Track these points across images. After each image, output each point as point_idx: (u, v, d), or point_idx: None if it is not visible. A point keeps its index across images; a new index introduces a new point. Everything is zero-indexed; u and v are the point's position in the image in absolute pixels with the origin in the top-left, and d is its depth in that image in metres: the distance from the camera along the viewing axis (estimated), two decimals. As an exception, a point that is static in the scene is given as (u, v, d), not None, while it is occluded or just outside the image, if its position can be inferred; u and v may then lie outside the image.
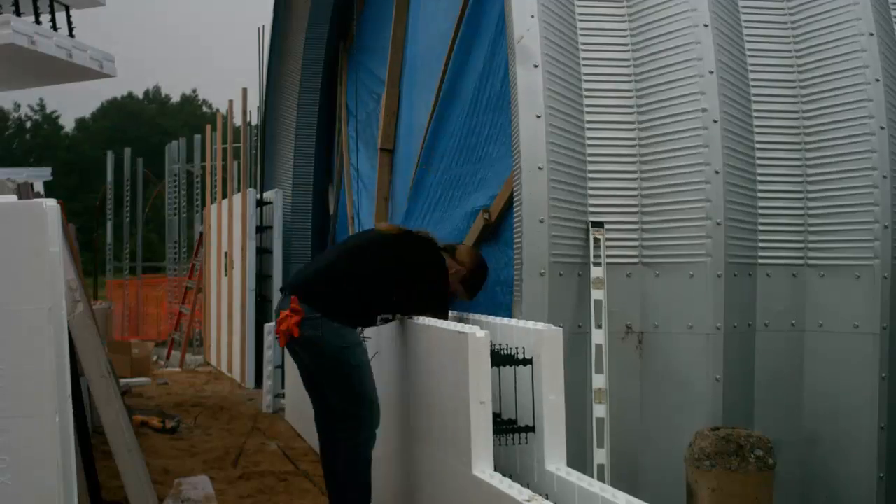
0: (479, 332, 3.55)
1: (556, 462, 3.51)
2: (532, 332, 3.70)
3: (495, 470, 3.46)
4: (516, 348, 3.73)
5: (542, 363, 3.60)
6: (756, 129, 4.63)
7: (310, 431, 7.20)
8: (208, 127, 13.99)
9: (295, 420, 7.69)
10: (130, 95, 49.82)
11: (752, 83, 4.67)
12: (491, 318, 4.25)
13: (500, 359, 3.71)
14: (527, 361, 3.66)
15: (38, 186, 7.86)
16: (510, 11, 4.50)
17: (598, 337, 4.37)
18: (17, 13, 6.76)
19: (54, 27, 7.04)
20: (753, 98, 4.66)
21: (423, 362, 4.19)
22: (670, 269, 4.49)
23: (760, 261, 4.59)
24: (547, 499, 3.16)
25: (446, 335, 3.82)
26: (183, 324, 14.21)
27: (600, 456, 4.23)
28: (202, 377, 11.57)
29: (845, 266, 4.50)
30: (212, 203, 13.28)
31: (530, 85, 4.41)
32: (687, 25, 4.54)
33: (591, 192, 4.55)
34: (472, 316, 4.50)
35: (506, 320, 4.11)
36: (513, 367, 3.73)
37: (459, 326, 3.76)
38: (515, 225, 4.44)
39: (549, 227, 4.35)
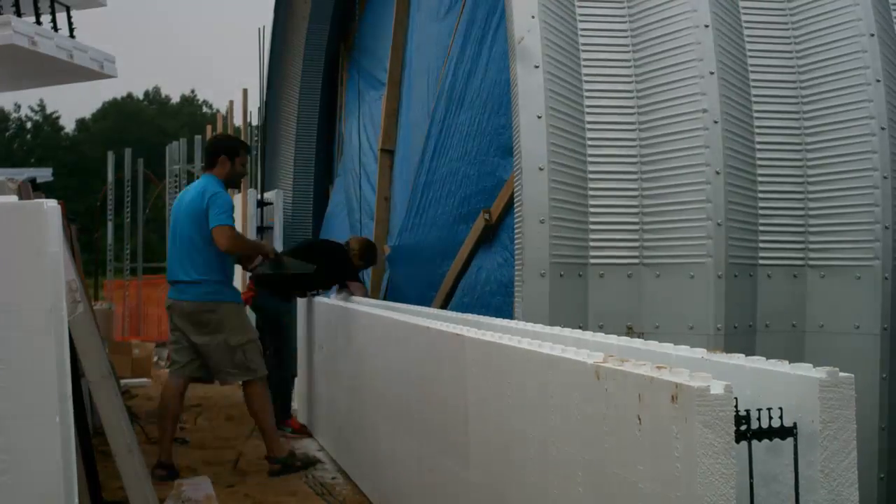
0: (715, 385, 2.13)
1: None
2: (794, 379, 2.30)
3: None
4: (761, 409, 2.26)
5: (816, 434, 2.24)
6: (757, 130, 4.62)
7: (332, 438, 7.19)
8: (209, 127, 13.99)
9: (323, 433, 7.68)
10: (130, 96, 49.88)
11: (752, 84, 4.66)
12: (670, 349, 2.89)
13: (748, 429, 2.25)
14: (786, 431, 2.27)
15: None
16: (510, 12, 4.50)
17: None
18: (18, 14, 6.76)
19: (55, 28, 7.05)
20: (754, 99, 4.65)
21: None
22: (671, 270, 4.48)
23: (761, 261, 4.59)
24: None
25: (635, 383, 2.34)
26: (183, 324, 14.17)
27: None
28: (203, 378, 11.53)
29: (846, 267, 4.50)
30: (212, 203, 13.24)
31: (531, 85, 4.40)
32: (687, 26, 4.54)
33: (591, 192, 4.54)
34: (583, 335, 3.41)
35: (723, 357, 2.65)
36: (763, 440, 2.27)
37: (660, 373, 2.27)
38: (516, 225, 4.44)
39: (550, 228, 4.35)
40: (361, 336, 5.63)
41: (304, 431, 7.48)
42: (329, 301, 6.94)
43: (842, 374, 2.25)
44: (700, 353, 2.73)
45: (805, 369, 2.30)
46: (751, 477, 2.26)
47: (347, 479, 5.89)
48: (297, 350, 7.82)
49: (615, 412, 2.45)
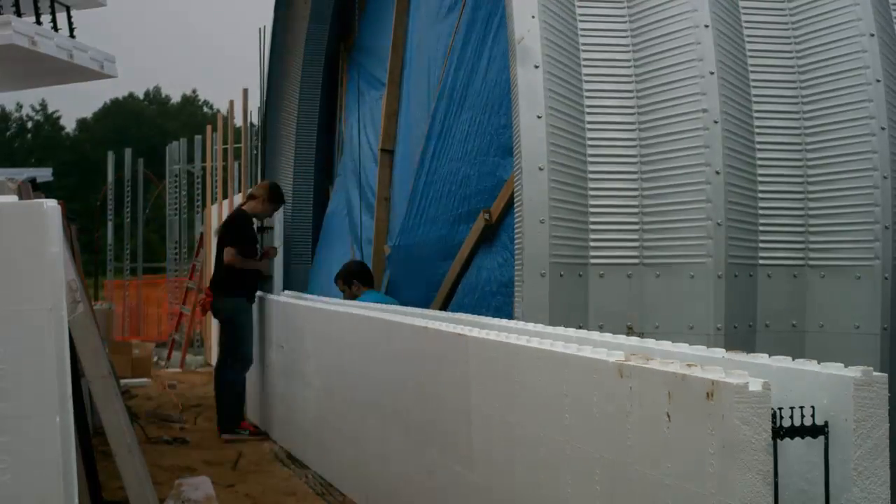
0: (753, 382, 2.15)
1: None
2: (825, 378, 2.29)
3: None
4: (793, 408, 2.26)
5: (850, 433, 2.23)
6: (757, 130, 4.62)
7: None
8: (209, 127, 14.00)
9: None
10: (131, 96, 49.89)
11: (752, 84, 4.66)
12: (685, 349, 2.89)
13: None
14: (817, 430, 2.27)
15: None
16: (510, 12, 4.50)
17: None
18: (18, 14, 6.76)
19: (55, 28, 7.04)
20: (754, 98, 4.65)
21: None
22: (671, 270, 4.48)
23: (761, 261, 4.59)
24: None
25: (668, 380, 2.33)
26: (184, 324, 14.21)
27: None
28: (203, 377, 11.57)
29: (846, 267, 4.50)
30: (212, 203, 13.28)
31: (531, 85, 4.40)
32: (688, 26, 4.53)
33: (591, 192, 4.54)
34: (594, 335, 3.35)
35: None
36: (795, 438, 2.26)
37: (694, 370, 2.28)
38: (516, 225, 4.44)
39: (550, 228, 4.35)
40: (344, 337, 5.58)
41: (257, 432, 7.60)
42: (296, 302, 6.94)
43: (875, 373, 2.25)
44: (720, 352, 2.73)
45: (837, 368, 2.31)
46: (775, 476, 2.25)
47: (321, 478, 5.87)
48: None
49: (640, 410, 2.44)
